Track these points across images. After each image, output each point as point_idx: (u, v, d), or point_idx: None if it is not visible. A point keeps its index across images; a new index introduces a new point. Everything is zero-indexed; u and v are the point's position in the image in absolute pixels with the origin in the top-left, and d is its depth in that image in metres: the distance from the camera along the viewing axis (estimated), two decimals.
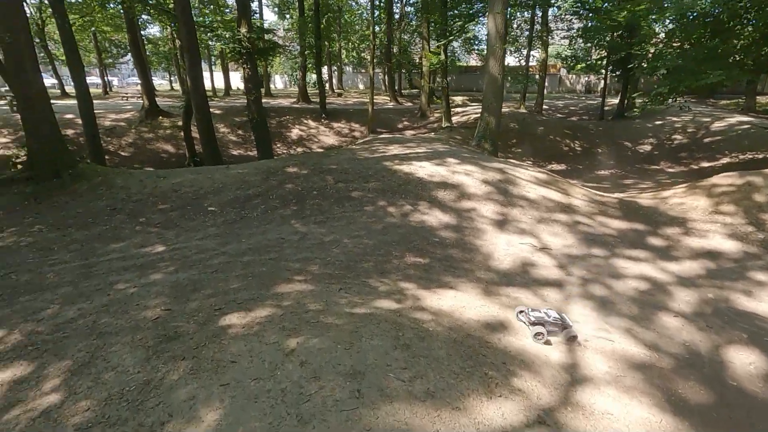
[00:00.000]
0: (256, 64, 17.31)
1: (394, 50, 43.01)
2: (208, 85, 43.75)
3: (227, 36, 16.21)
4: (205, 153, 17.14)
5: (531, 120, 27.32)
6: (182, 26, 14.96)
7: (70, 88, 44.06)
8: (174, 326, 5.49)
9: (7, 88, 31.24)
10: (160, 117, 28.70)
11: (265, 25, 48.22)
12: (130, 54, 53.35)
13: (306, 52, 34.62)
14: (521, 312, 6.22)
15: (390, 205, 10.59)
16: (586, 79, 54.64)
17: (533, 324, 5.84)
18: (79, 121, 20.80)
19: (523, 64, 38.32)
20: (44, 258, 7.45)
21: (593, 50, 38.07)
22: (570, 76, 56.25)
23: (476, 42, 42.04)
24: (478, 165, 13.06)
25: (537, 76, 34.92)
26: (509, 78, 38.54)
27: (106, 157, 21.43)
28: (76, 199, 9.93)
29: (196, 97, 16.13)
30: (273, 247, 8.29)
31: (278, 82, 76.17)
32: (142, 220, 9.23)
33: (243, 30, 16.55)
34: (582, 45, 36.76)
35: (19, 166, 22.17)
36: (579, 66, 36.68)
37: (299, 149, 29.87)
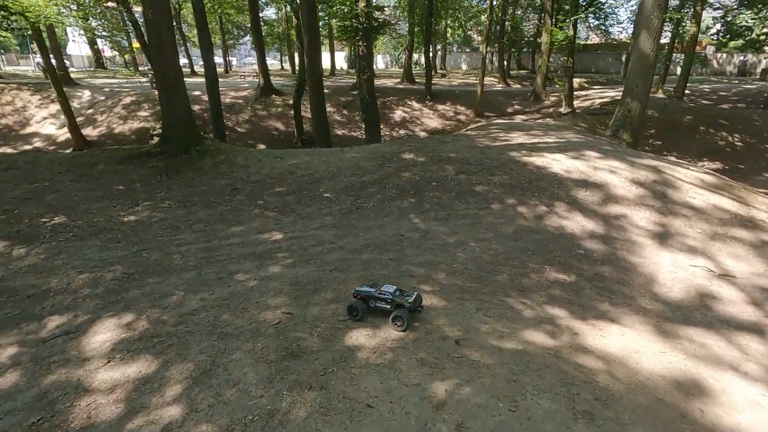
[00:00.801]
0: (371, 41, 16.59)
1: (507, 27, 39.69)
2: None
3: (345, 11, 15.63)
4: (315, 133, 17.05)
5: (674, 107, 23.07)
6: (303, 2, 14.67)
7: (197, 68, 48.18)
8: (296, 337, 4.87)
9: (149, 67, 34.77)
10: (273, 95, 29.75)
11: (374, 2, 47.63)
12: (248, 35, 56.79)
13: (416, 29, 33.29)
14: None
15: (520, 204, 9.13)
16: (741, 58, 45.58)
17: None
18: (205, 97, 22.06)
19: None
20: (172, 237, 7.45)
21: (756, 22, 31.18)
22: (719, 55, 47.44)
23: (603, 17, 36.99)
24: (624, 161, 10.88)
25: (682, 55, 29.53)
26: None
27: (225, 132, 22.61)
28: (201, 177, 10.11)
29: (311, 76, 15.95)
30: (392, 245, 7.44)
31: (379, 63, 76.02)
32: (260, 203, 9.01)
33: (362, 4, 15.84)
34: (744, 16, 30.23)
35: (155, 139, 24.40)
36: (734, 43, 30.31)
37: (402, 132, 29.03)
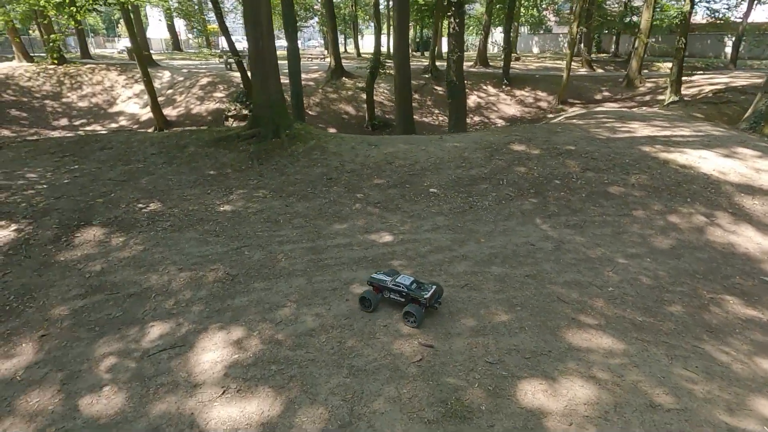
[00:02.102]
0: (464, 17, 15.07)
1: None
2: (383, 47, 43.30)
3: None
4: (398, 118, 15.93)
5: None
6: None
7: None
8: (450, 385, 3.80)
9: (225, 48, 35.12)
10: (344, 78, 28.92)
11: None
12: (316, 16, 56.39)
13: (498, 6, 30.81)
14: None
15: (670, 211, 7.48)
16: None
17: None
18: (285, 80, 21.58)
19: None
20: (272, 233, 6.66)
21: None
22: None
23: None
24: None
25: None
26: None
27: (305, 117, 22.10)
28: (294, 164, 9.33)
29: (399, 55, 14.77)
30: (524, 257, 6.19)
31: (443, 46, 73.07)
32: (359, 196, 8.07)
33: None
34: None
35: (231, 120, 24.43)
36: None
37: (476, 119, 27.19)
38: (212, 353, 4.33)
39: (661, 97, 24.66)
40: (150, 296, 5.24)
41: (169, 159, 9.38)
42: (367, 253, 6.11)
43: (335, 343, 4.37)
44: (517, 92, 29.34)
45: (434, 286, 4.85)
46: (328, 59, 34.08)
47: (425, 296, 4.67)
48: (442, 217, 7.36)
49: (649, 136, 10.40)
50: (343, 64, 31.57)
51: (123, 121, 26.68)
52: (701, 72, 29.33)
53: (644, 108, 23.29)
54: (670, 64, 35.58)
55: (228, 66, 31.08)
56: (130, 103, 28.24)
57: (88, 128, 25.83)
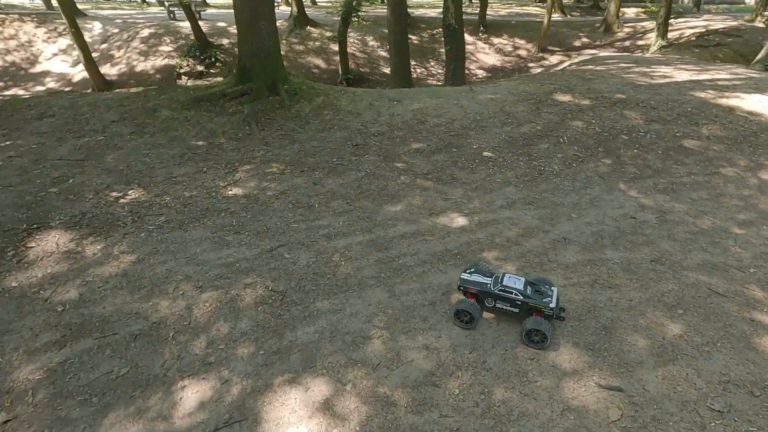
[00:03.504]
0: None
1: None
2: None
3: None
4: (394, 71, 13.90)
5: None
6: None
7: None
8: None
9: None
10: (308, 27, 25.85)
11: None
12: None
13: None
14: None
15: (758, 167, 6.49)
16: None
17: None
18: (233, 29, 18.62)
19: None
20: (310, 223, 4.98)
21: None
22: None
23: None
24: None
25: None
26: None
27: None
28: (305, 127, 7.43)
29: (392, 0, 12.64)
30: (632, 235, 4.99)
31: None
32: (400, 166, 6.45)
33: None
34: None
35: (185, 79, 21.16)
36: None
37: None
38: (296, 430, 2.83)
39: (641, 43, 23.93)
40: (167, 336, 3.55)
41: (137, 128, 7.17)
42: (447, 244, 4.66)
43: (477, 395, 2.99)
44: (495, 40, 27.60)
45: (553, 288, 3.54)
46: (282, 6, 30.46)
47: (550, 305, 3.37)
48: (511, 187, 5.96)
49: (692, 80, 9.34)
50: (309, 11, 28.23)
51: (51, 83, 22.53)
52: (674, 15, 28.87)
53: (636, 53, 22.52)
54: (635, 10, 35.00)
55: (172, 15, 26.89)
56: (57, 61, 23.83)
57: (6, 93, 21.62)
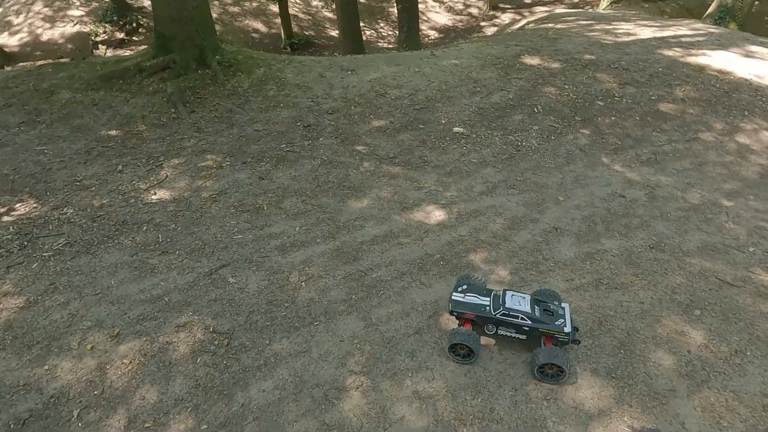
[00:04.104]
0: None
1: None
2: None
3: None
4: (343, 32, 12.53)
5: None
6: None
7: None
8: None
9: None
10: None
11: None
12: None
13: None
14: None
15: (735, 130, 6.18)
16: None
17: None
18: None
19: None
20: (258, 231, 3.97)
21: None
22: None
23: None
24: None
25: None
26: None
27: None
28: (244, 107, 6.23)
29: None
30: (625, 217, 4.49)
31: None
32: (361, 149, 5.54)
33: None
34: None
35: (103, 48, 18.50)
36: None
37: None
38: None
39: None
40: (69, 415, 2.63)
41: (28, 116, 5.71)
42: (426, 247, 3.92)
43: None
44: None
45: (565, 306, 2.95)
46: None
47: (565, 329, 2.76)
48: (489, 168, 5.27)
49: (656, 38, 8.91)
50: None
51: None
52: None
53: (587, 8, 22.13)
54: None
55: None
56: None
57: None
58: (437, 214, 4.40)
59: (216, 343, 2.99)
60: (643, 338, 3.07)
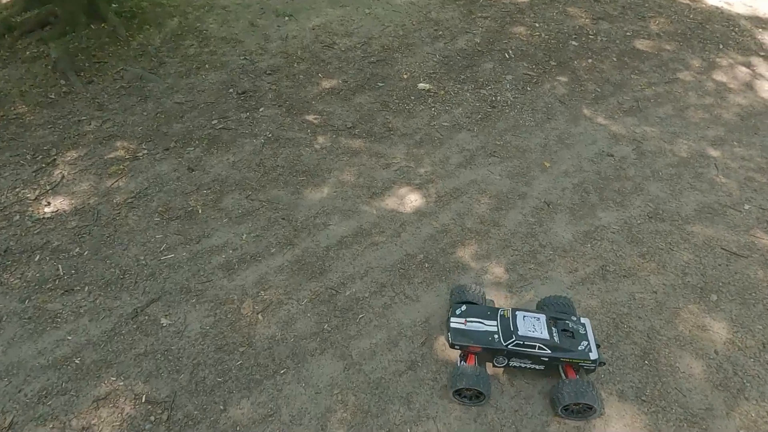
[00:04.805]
0: None
1: None
2: None
3: None
4: None
5: None
6: None
7: None
8: None
9: None
10: None
11: None
12: None
13: None
14: None
15: (711, 67, 5.68)
16: None
17: None
18: None
19: None
20: (196, 245, 3.07)
21: None
22: None
23: None
24: None
25: None
26: None
27: None
28: (159, 71, 4.86)
29: None
30: (616, 180, 4.01)
31: None
32: (313, 119, 4.54)
33: None
34: None
35: None
36: None
37: None
38: None
39: None
40: None
41: None
42: (405, 245, 3.24)
43: None
44: None
45: (585, 321, 2.45)
46: None
47: (590, 354, 2.27)
48: (464, 133, 4.53)
49: None
50: None
51: None
52: None
53: None
54: None
55: None
56: None
57: None
58: (413, 199, 3.70)
59: (152, 418, 2.26)
60: (666, 340, 2.69)
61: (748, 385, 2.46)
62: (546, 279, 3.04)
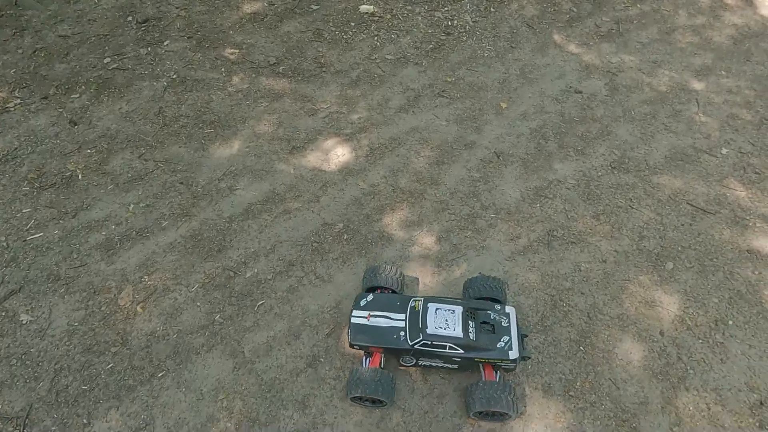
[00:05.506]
0: None
1: None
2: None
3: None
4: None
5: None
6: None
7: None
8: None
9: None
10: None
11: None
12: None
13: None
14: None
15: None
16: None
17: None
18: None
19: None
20: (72, 220, 2.57)
21: None
22: None
23: None
24: None
25: None
26: None
27: None
28: None
29: None
30: (582, 123, 3.45)
31: None
32: (229, 54, 3.70)
33: None
34: None
35: None
36: None
37: None
38: None
39: None
40: None
41: None
42: (323, 213, 2.74)
43: None
44: None
45: (509, 310, 2.07)
46: None
47: (510, 353, 1.92)
48: (410, 68, 3.83)
49: None
50: None
51: None
52: None
53: None
54: None
55: None
56: None
57: None
58: (339, 153, 3.14)
59: None
60: (607, 320, 2.35)
61: (692, 372, 2.18)
62: (482, 249, 2.63)
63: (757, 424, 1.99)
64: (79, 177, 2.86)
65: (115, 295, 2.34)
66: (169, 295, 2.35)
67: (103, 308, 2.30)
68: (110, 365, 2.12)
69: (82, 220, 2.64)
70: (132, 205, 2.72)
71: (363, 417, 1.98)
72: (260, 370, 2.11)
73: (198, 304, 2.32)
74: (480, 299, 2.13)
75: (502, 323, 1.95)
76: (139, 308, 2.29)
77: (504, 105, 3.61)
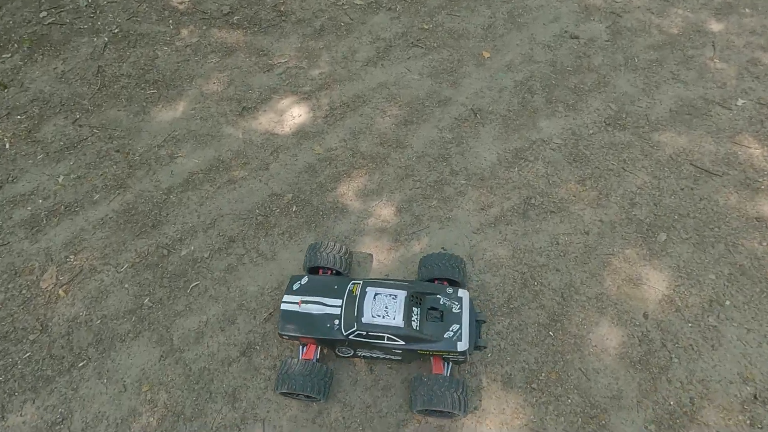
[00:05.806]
0: None
1: None
2: None
3: None
4: None
5: None
6: None
7: None
8: None
9: None
10: None
11: None
12: None
13: None
14: None
15: None
16: None
17: None
18: None
19: None
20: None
21: None
22: None
23: None
24: None
25: None
26: None
27: None
28: None
29: None
30: (576, 73, 3.02)
31: None
32: (179, 4, 3.33)
33: None
34: None
35: None
36: None
37: None
38: None
39: None
40: None
41: None
42: (272, 182, 2.45)
43: None
44: None
45: (462, 294, 1.75)
46: None
47: (458, 344, 1.63)
48: (383, 14, 3.37)
49: None
50: None
51: None
52: None
53: None
54: None
55: None
56: None
57: None
58: (295, 114, 2.80)
59: None
60: (584, 301, 2.06)
61: (676, 361, 1.90)
62: (447, 221, 2.33)
63: (748, 421, 1.72)
64: (7, 146, 2.60)
65: (37, 277, 2.14)
66: (96, 276, 2.14)
67: (23, 291, 2.10)
68: (27, 354, 1.94)
69: (6, 194, 2.41)
70: (62, 177, 2.47)
71: (298, 412, 1.79)
72: (189, 359, 1.91)
73: (126, 286, 2.11)
74: (434, 280, 1.87)
75: (453, 309, 1.69)
76: (61, 291, 2.08)
77: (487, 54, 3.17)
